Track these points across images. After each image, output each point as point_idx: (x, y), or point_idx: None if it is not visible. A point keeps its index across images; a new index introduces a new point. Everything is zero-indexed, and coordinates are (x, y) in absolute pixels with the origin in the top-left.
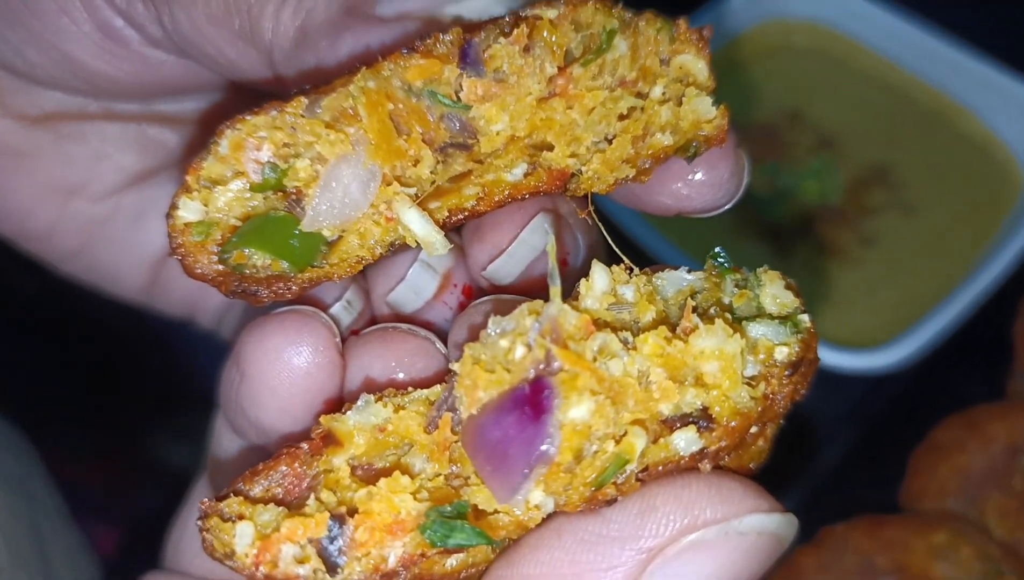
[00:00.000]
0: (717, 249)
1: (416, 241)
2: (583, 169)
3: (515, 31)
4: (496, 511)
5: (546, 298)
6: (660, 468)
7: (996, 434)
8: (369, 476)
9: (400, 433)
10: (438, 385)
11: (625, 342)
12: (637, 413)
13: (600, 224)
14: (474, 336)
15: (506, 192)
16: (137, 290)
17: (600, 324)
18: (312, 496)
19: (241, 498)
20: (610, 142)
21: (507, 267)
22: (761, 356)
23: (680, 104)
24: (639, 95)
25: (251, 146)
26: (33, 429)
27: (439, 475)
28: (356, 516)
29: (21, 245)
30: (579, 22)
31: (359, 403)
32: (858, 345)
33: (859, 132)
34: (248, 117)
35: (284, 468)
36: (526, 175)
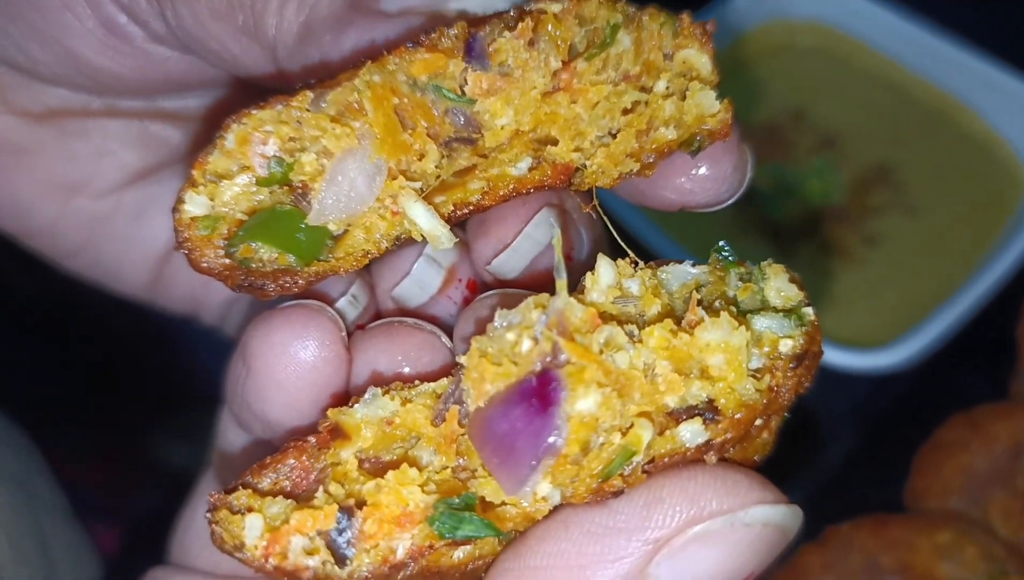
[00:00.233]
0: (721, 243)
1: (422, 235)
2: (587, 163)
3: (520, 25)
4: (503, 503)
5: (551, 292)
6: (666, 460)
7: (1000, 434)
8: (376, 469)
9: (407, 426)
10: (445, 378)
11: (631, 335)
12: (643, 405)
13: (604, 218)
14: (481, 329)
15: (511, 186)
16: (140, 287)
17: (606, 317)
18: (321, 488)
19: (250, 491)
20: (614, 136)
21: (512, 261)
22: (766, 349)
23: (684, 98)
24: (643, 89)
25: (257, 140)
26: (34, 428)
27: (446, 468)
28: (364, 508)
29: (23, 242)
30: (583, 16)
31: (366, 396)
32: (861, 344)
33: (862, 132)
34: (254, 111)
35: (292, 461)
36: (531, 169)
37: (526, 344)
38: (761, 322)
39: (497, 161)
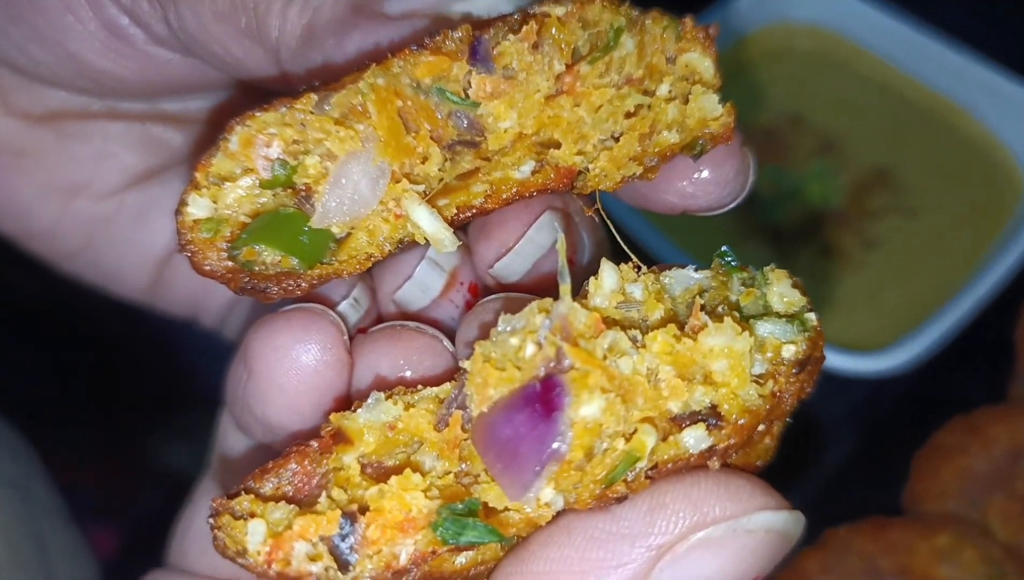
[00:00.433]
0: (724, 248)
1: (425, 238)
2: (590, 167)
3: (524, 28)
4: (507, 509)
5: (554, 296)
6: (669, 466)
7: (998, 437)
8: (379, 474)
9: (410, 431)
10: (447, 383)
11: (634, 340)
12: (646, 411)
13: (608, 221)
14: (484, 334)
15: (514, 189)
16: (140, 290)
17: (609, 322)
18: (324, 494)
19: (252, 496)
20: (617, 140)
21: (514, 265)
22: (769, 354)
23: (686, 102)
24: (646, 93)
25: (261, 143)
26: (32, 430)
27: (449, 473)
28: (367, 514)
29: (23, 244)
30: (586, 20)
31: (369, 401)
32: (860, 348)
33: (861, 135)
34: (258, 113)
35: (294, 466)
36: (534, 172)
37: (530, 349)
38: (764, 327)
39: (500, 164)
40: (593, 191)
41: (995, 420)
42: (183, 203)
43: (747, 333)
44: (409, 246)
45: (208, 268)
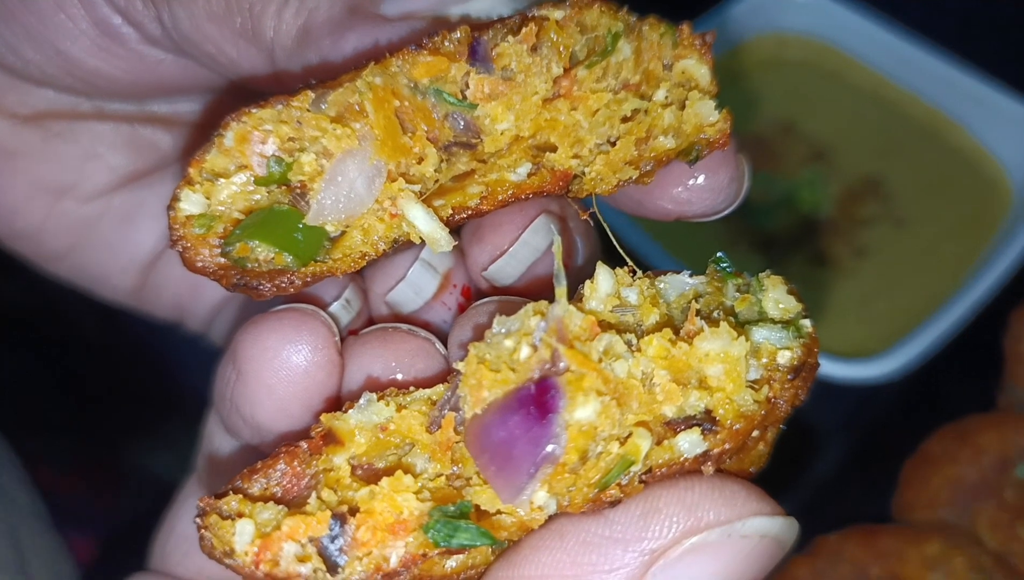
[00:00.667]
0: (719, 254)
1: (420, 238)
2: (586, 170)
3: (524, 30)
4: (499, 512)
5: (548, 299)
6: (663, 470)
7: (987, 445)
8: (369, 476)
9: (402, 432)
10: (440, 385)
11: (629, 344)
12: (641, 415)
13: (605, 224)
14: (479, 335)
15: (509, 191)
16: (126, 292)
17: (604, 326)
18: (313, 494)
19: (240, 496)
20: (613, 144)
21: (508, 268)
22: (764, 360)
23: (683, 108)
24: (642, 98)
25: (256, 139)
26: (11, 435)
27: (440, 475)
28: (358, 515)
29: (8, 245)
30: (584, 25)
31: (361, 402)
32: (850, 355)
33: (851, 144)
34: (254, 110)
35: (283, 466)
36: (530, 175)
37: (524, 351)
38: (760, 333)
39: (496, 166)
40: (588, 195)
41: (984, 429)
42: (175, 198)
43: (743, 338)
44: (403, 246)
45: (200, 264)
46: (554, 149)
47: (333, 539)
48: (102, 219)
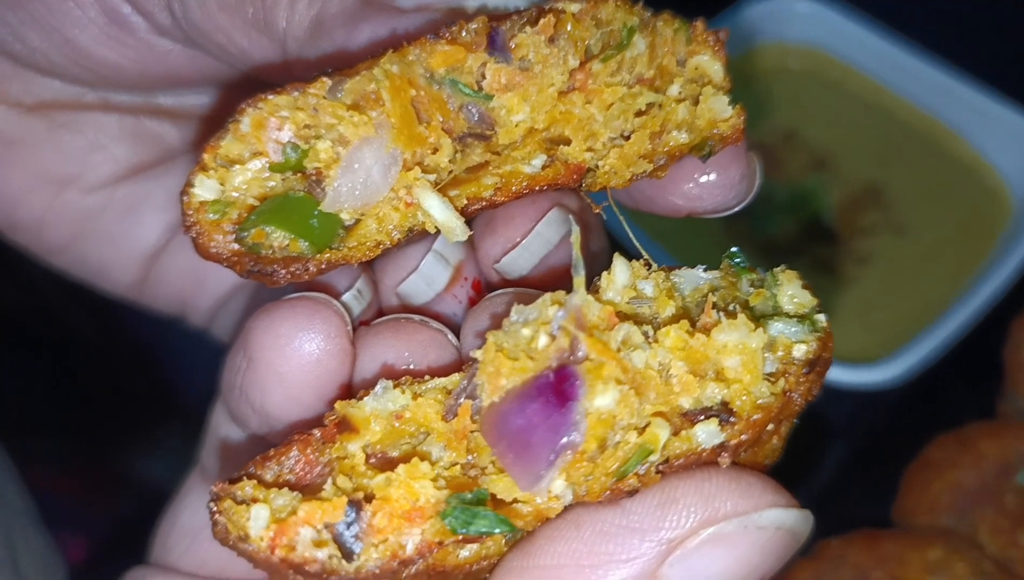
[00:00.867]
0: (733, 249)
1: (436, 227)
2: (599, 164)
3: (542, 20)
4: (515, 501)
5: (561, 291)
6: (680, 461)
7: (988, 452)
8: (383, 465)
9: (417, 421)
10: (455, 374)
11: (646, 335)
12: (658, 406)
13: (621, 217)
14: (496, 324)
15: (524, 183)
16: (127, 285)
17: (621, 317)
18: (330, 481)
19: (254, 482)
20: (626, 139)
21: (521, 260)
22: (780, 353)
23: (696, 103)
24: (656, 93)
25: (273, 125)
26: (5, 435)
27: (456, 464)
28: (374, 502)
29: (9, 236)
30: (599, 19)
31: (377, 389)
32: (852, 361)
33: (852, 153)
34: (270, 96)
35: (295, 454)
36: (544, 167)
37: (542, 340)
38: (775, 327)
39: (510, 158)
40: (601, 189)
41: (985, 435)
42: (189, 184)
43: (761, 330)
44: (417, 236)
45: (214, 251)
46: (568, 142)
47: (348, 526)
48: (105, 211)
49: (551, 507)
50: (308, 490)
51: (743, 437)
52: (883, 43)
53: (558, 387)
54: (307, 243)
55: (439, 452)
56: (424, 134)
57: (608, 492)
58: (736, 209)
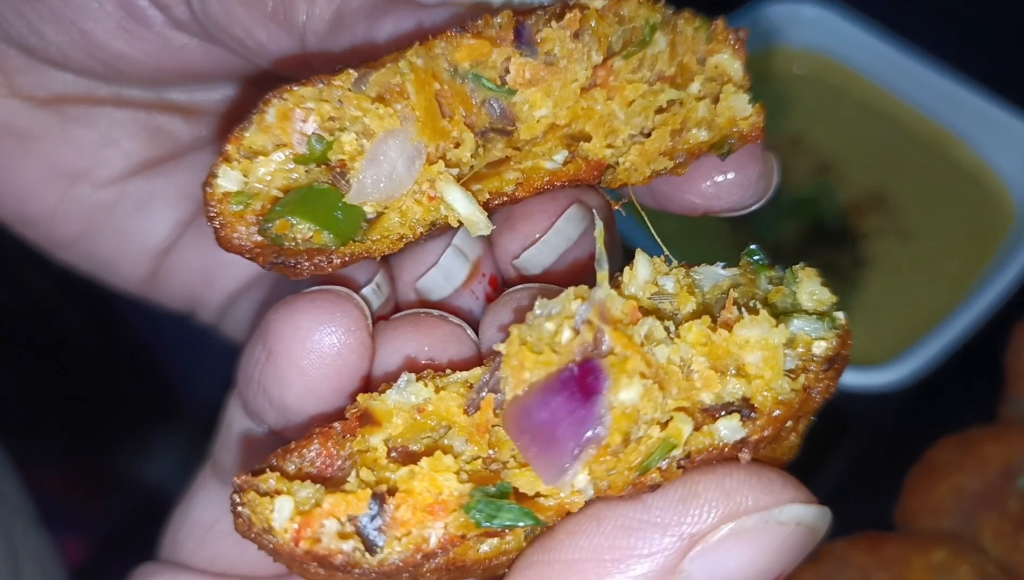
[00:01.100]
0: (752, 246)
1: (459, 221)
2: (620, 160)
3: (568, 16)
4: (537, 495)
5: (582, 285)
6: (702, 456)
7: (991, 456)
8: (404, 458)
9: (440, 414)
10: (477, 368)
11: (668, 330)
12: (680, 401)
13: (643, 213)
14: (519, 318)
15: (545, 179)
16: (137, 281)
17: (643, 312)
18: (353, 473)
19: (278, 474)
20: (647, 136)
21: (540, 256)
22: (800, 350)
23: (716, 101)
24: (677, 90)
25: (298, 117)
26: (4, 435)
27: (477, 458)
28: (397, 495)
29: (19, 230)
30: (622, 16)
31: (399, 382)
32: (856, 364)
33: (857, 158)
34: (295, 88)
35: (316, 446)
36: (565, 163)
37: (566, 334)
38: (796, 323)
39: (531, 154)
40: (621, 185)
41: (988, 439)
42: (212, 175)
43: (783, 326)
44: (439, 230)
45: (236, 242)
46: (588, 138)
47: (372, 519)
48: (116, 206)
49: (573, 501)
50: (329, 483)
51: (764, 433)
52: (888, 49)
53: (582, 381)
54: (331, 235)
55: (461, 446)
56: (447, 128)
57: (630, 487)
58: (753, 208)
